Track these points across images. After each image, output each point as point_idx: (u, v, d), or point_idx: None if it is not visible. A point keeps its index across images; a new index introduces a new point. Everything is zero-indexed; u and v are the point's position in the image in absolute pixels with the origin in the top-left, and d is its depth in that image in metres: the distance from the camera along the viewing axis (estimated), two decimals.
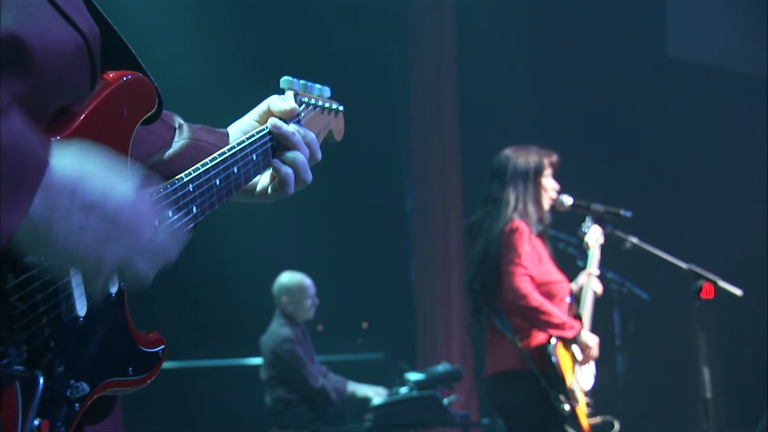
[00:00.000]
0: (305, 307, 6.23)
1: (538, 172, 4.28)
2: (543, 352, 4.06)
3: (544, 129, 7.63)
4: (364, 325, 8.51)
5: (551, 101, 8.50)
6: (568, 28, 8.59)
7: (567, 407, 4.01)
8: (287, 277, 6.33)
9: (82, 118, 1.18)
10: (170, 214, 1.32)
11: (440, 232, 8.95)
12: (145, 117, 1.31)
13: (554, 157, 4.34)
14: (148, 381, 1.31)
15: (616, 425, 4.22)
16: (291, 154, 1.64)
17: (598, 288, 4.50)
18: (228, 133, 1.67)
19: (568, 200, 4.43)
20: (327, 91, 1.86)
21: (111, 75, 1.26)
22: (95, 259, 1.07)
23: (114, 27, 1.32)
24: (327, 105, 1.84)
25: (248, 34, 7.94)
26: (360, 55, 8.39)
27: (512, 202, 4.19)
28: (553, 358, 4.02)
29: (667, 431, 7.82)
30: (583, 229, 4.63)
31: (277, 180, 1.65)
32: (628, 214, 4.57)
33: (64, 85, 1.16)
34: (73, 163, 1.07)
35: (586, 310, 4.37)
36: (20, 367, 1.05)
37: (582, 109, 8.43)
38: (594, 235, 4.60)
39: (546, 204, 4.32)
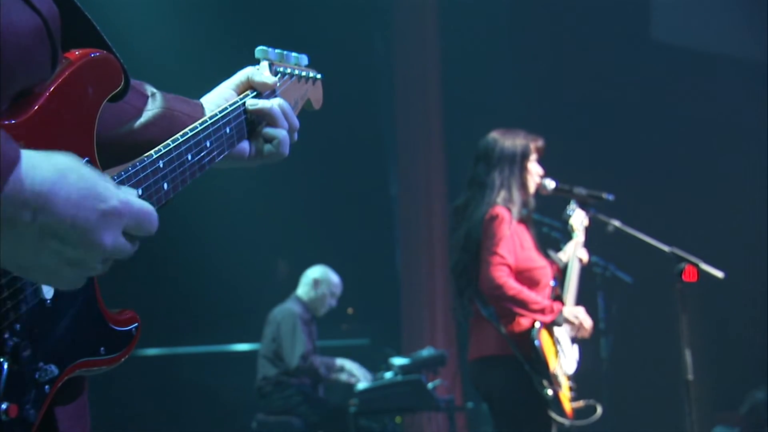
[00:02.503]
0: (325, 304, 6.51)
1: (525, 156, 4.27)
2: (526, 337, 4.07)
3: (527, 112, 7.64)
4: (350, 310, 8.52)
5: (535, 84, 8.50)
6: (551, 11, 8.59)
7: (550, 392, 4.02)
8: (319, 272, 6.58)
9: (43, 99, 1.16)
10: (140, 192, 1.30)
11: (425, 217, 8.96)
12: (111, 95, 1.28)
13: (540, 142, 4.34)
14: (122, 359, 1.28)
15: (599, 409, 4.23)
16: (270, 130, 1.64)
17: (584, 256, 4.53)
18: (202, 105, 1.65)
19: (550, 184, 4.43)
20: (304, 59, 1.84)
21: (75, 53, 1.24)
22: (55, 274, 1.06)
23: (79, 5, 1.29)
24: (304, 74, 1.82)
25: (232, 15, 7.91)
26: (342, 38, 8.37)
27: (497, 185, 4.19)
28: (536, 342, 4.03)
29: (650, 414, 7.88)
30: (567, 212, 4.64)
31: (255, 150, 1.64)
32: (611, 197, 4.58)
33: (22, 67, 1.14)
34: (48, 174, 1.04)
35: (572, 280, 4.39)
36: None
37: (565, 92, 8.44)
38: (578, 219, 4.61)
39: (531, 188, 4.32)
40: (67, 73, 1.20)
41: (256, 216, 8.12)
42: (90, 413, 1.34)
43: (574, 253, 4.50)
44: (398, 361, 6.36)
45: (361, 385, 6.11)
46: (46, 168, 1.03)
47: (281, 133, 1.64)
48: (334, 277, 6.54)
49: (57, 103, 1.18)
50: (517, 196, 4.22)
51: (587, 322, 4.23)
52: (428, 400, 5.97)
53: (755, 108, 7.67)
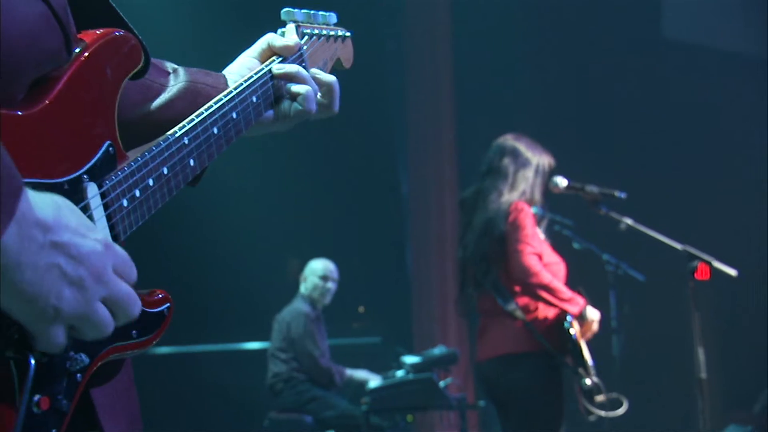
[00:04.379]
0: (328, 291, 6.46)
1: (547, 171, 4.31)
2: (556, 329, 4.07)
3: (539, 111, 7.63)
4: (361, 309, 8.52)
5: (546, 83, 8.48)
6: (563, 8, 8.56)
7: (588, 382, 4.02)
8: (318, 261, 6.54)
9: (60, 85, 1.14)
10: (165, 171, 1.29)
11: (436, 215, 8.95)
12: (131, 74, 1.26)
13: (553, 162, 4.38)
14: (155, 341, 1.26)
15: (625, 403, 4.23)
16: (295, 87, 1.60)
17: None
18: (225, 76, 1.62)
19: (562, 182, 4.43)
20: (333, 18, 1.80)
21: (93, 35, 1.21)
22: (54, 303, 1.02)
23: None
24: (332, 33, 1.78)
25: (241, 21, 7.91)
26: (354, 35, 8.36)
27: (520, 181, 4.20)
28: (572, 331, 4.04)
29: (662, 412, 7.85)
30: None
31: (281, 114, 1.61)
32: (623, 195, 4.56)
33: (31, 54, 1.12)
34: (49, 203, 1.04)
35: None
36: (11, 350, 1.03)
37: (577, 90, 8.42)
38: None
39: (542, 187, 4.35)
40: (83, 56, 1.18)
41: (267, 214, 8.13)
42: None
43: None
44: (410, 359, 6.36)
45: (373, 384, 6.12)
46: (44, 198, 1.04)
47: (306, 88, 1.60)
48: (317, 264, 6.53)
49: (75, 88, 1.16)
50: (536, 195, 4.25)
51: (595, 328, 4.24)
52: (440, 399, 5.96)
53: None
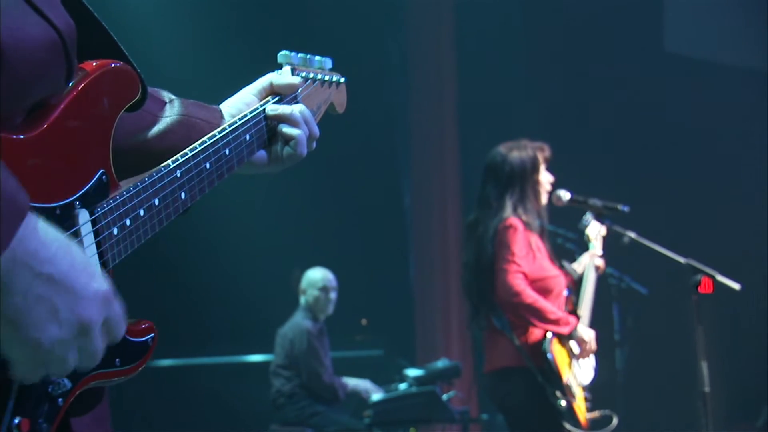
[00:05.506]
0: (330, 302, 6.34)
1: (534, 169, 4.27)
2: (539, 348, 4.07)
3: (542, 123, 7.64)
4: (363, 321, 8.51)
5: (549, 96, 8.49)
6: (565, 22, 8.59)
7: (563, 403, 4.01)
8: (319, 272, 6.45)
9: (58, 111, 1.16)
10: (156, 202, 1.30)
11: (439, 227, 8.95)
12: (128, 105, 1.28)
13: (547, 151, 4.34)
14: (138, 370, 1.27)
15: (615, 420, 4.22)
16: (288, 130, 1.62)
17: (601, 262, 4.52)
18: (220, 110, 1.64)
19: (565, 195, 4.43)
20: (328, 63, 1.83)
21: (91, 65, 1.23)
22: (35, 337, 1.00)
23: (97, 17, 1.29)
24: (327, 78, 1.81)
25: (246, 26, 7.94)
26: (357, 50, 8.38)
27: (507, 206, 4.19)
28: (549, 355, 4.02)
29: (666, 426, 7.82)
30: (583, 223, 4.63)
31: (275, 155, 1.64)
32: (626, 208, 4.57)
33: (37, 80, 1.13)
34: (57, 235, 1.04)
35: (588, 292, 4.38)
36: None
37: (580, 104, 8.43)
38: (595, 229, 4.61)
39: (543, 199, 4.33)
40: (82, 85, 1.20)
41: (270, 227, 8.12)
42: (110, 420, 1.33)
43: (590, 263, 4.49)
44: (413, 372, 6.35)
45: (376, 397, 6.10)
46: (55, 231, 1.04)
47: (298, 132, 1.62)
48: (315, 275, 6.45)
49: (72, 116, 1.17)
50: (529, 207, 4.23)
51: (593, 347, 4.23)
52: (443, 412, 5.95)
53: None
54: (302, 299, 6.45)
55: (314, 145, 1.71)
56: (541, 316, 4.04)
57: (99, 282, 1.07)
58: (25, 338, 1.00)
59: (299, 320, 6.34)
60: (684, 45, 8.64)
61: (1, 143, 1.05)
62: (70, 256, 1.04)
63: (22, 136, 1.10)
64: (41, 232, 1.01)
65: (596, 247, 4.57)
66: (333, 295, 6.42)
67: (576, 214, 4.72)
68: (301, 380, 6.13)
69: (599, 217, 4.61)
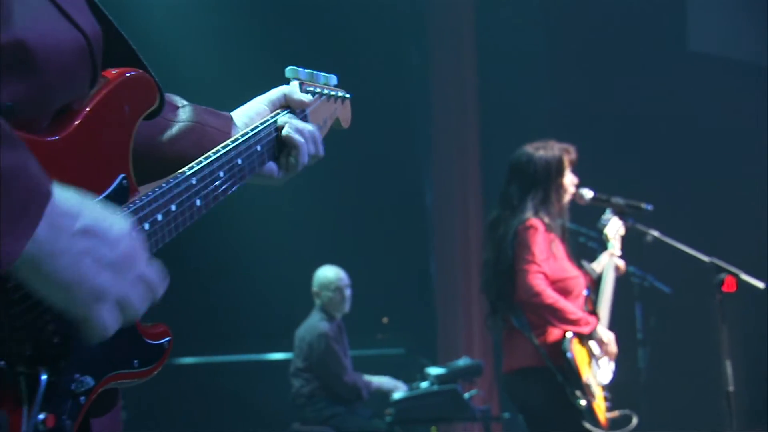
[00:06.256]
0: (345, 299, 6.31)
1: (559, 172, 4.24)
2: (558, 348, 4.05)
3: (564, 122, 7.61)
4: (384, 320, 8.51)
5: (571, 94, 8.46)
6: (588, 21, 8.55)
7: (583, 402, 4.00)
8: (330, 271, 6.36)
9: (82, 116, 1.19)
10: (173, 208, 1.34)
11: (460, 226, 8.93)
12: (146, 113, 1.32)
13: (573, 154, 4.31)
14: (154, 372, 1.31)
15: (634, 419, 4.20)
16: (296, 149, 1.66)
17: (622, 265, 4.49)
18: (232, 118, 1.67)
19: (588, 193, 4.41)
20: (333, 79, 1.87)
21: (112, 72, 1.27)
22: (93, 286, 1.07)
23: (116, 25, 1.32)
24: (333, 93, 1.86)
25: (264, 30, 7.95)
26: (378, 50, 8.39)
27: (530, 208, 4.16)
28: (568, 354, 4.01)
29: (689, 425, 7.78)
30: (602, 222, 4.61)
31: (281, 168, 1.68)
32: (649, 207, 4.54)
33: (65, 84, 1.17)
34: (74, 195, 1.09)
35: (607, 292, 4.36)
36: (23, 365, 1.06)
37: (602, 102, 8.39)
38: (614, 228, 4.58)
39: (565, 200, 4.30)
40: (104, 92, 1.23)
41: (291, 225, 8.14)
42: (122, 424, 1.36)
43: (609, 263, 4.47)
44: (434, 370, 6.34)
45: (397, 395, 6.10)
46: (68, 191, 1.09)
47: (302, 144, 1.66)
48: (325, 275, 6.37)
49: (95, 121, 1.21)
50: (551, 209, 4.21)
51: (614, 348, 4.21)
52: (464, 410, 5.94)
53: None
54: (317, 301, 6.41)
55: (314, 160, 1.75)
56: (561, 317, 4.02)
57: (122, 222, 1.14)
58: (85, 293, 1.06)
59: (316, 322, 6.27)
60: (709, 44, 8.58)
61: (31, 145, 1.08)
62: (90, 207, 1.10)
63: (48, 139, 1.14)
64: (62, 196, 1.06)
65: (615, 246, 4.54)
66: (348, 293, 6.36)
67: (599, 213, 4.70)
68: (321, 382, 6.12)
69: (622, 216, 4.58)
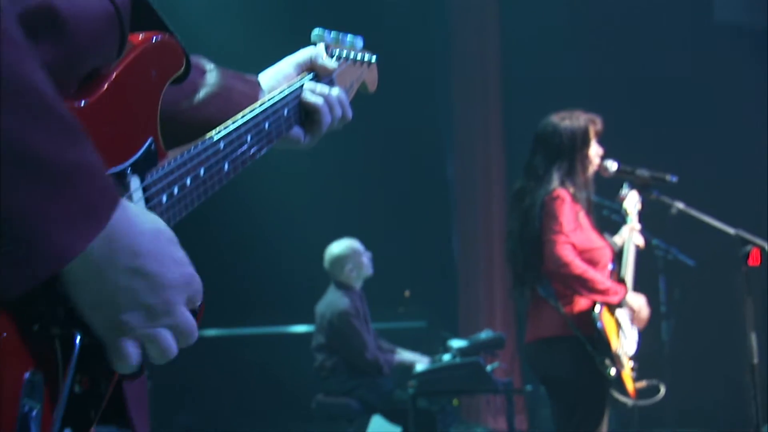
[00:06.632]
0: (364, 267, 6.29)
1: (585, 143, 4.21)
2: (587, 317, 4.04)
3: (588, 93, 7.54)
4: (406, 293, 8.52)
5: (596, 65, 8.39)
6: None
7: (613, 371, 3.99)
8: (340, 247, 6.34)
9: (110, 81, 1.19)
10: (201, 172, 1.34)
11: (482, 198, 8.92)
12: (173, 77, 1.31)
13: (599, 124, 4.28)
14: None
15: (662, 389, 4.19)
16: (319, 113, 1.64)
17: (640, 241, 4.48)
18: (259, 82, 1.67)
19: (612, 165, 4.38)
20: (359, 42, 1.85)
21: (139, 37, 1.26)
22: (121, 320, 1.06)
23: None
24: (359, 57, 1.84)
25: (290, 4, 7.94)
26: (401, 20, 8.34)
27: (555, 178, 4.14)
28: (599, 324, 4.00)
29: (712, 398, 7.76)
30: (620, 195, 4.59)
31: (307, 132, 1.67)
32: (675, 179, 4.50)
33: (93, 50, 1.17)
34: (150, 228, 1.09)
35: (629, 265, 4.35)
36: (57, 327, 1.06)
37: (627, 74, 8.32)
38: (632, 202, 4.56)
39: (590, 172, 4.28)
40: (131, 57, 1.23)
41: (313, 198, 8.15)
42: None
43: (629, 237, 4.45)
44: (456, 343, 6.35)
45: (420, 367, 6.12)
46: (147, 221, 1.09)
47: (327, 118, 1.66)
48: (336, 251, 6.32)
49: (123, 86, 1.20)
50: (577, 180, 4.19)
51: (645, 313, 4.19)
52: (486, 383, 5.95)
53: None
54: (338, 273, 6.35)
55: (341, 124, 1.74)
56: (590, 287, 4.01)
57: (182, 269, 1.12)
58: (110, 320, 1.06)
59: (335, 300, 6.24)
60: (733, 14, 8.48)
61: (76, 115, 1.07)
62: (158, 245, 1.09)
63: (78, 105, 1.13)
64: (134, 220, 1.06)
65: (633, 220, 4.52)
66: (365, 259, 6.33)
67: (619, 186, 4.66)
68: (342, 357, 6.14)
69: (647, 188, 4.55)
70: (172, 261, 1.11)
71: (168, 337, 1.11)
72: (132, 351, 1.08)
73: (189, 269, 1.14)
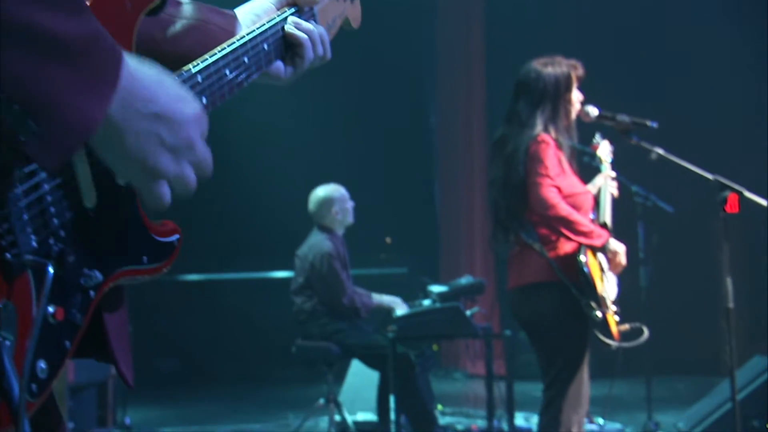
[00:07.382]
0: (348, 213, 6.29)
1: (567, 88, 4.21)
2: (572, 261, 4.06)
3: (570, 39, 7.51)
4: (388, 240, 8.55)
5: (578, 11, 8.35)
6: None
7: (599, 314, 4.02)
8: (327, 189, 6.32)
9: None
10: None
11: (464, 146, 8.92)
12: (148, 9, 1.30)
13: (580, 70, 4.27)
14: (164, 269, 1.31)
15: (646, 332, 4.23)
16: (301, 47, 1.63)
17: (615, 191, 4.51)
18: (236, 16, 1.64)
19: (593, 111, 4.37)
20: None
21: None
22: (153, 166, 1.11)
23: None
24: None
25: None
26: None
27: (538, 124, 4.14)
28: (585, 268, 4.02)
29: (690, 343, 7.86)
30: (593, 143, 4.60)
31: (287, 66, 1.65)
32: (654, 124, 4.49)
33: None
34: (153, 76, 1.12)
35: (606, 212, 4.37)
36: (30, 256, 1.06)
37: (608, 20, 8.29)
38: (605, 150, 4.58)
39: (572, 117, 4.28)
40: None
41: (294, 145, 8.13)
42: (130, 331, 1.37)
43: (605, 185, 4.47)
44: (436, 288, 6.38)
45: (399, 312, 6.15)
46: (148, 71, 1.12)
47: (310, 54, 1.64)
48: (323, 194, 6.29)
49: (96, 16, 1.15)
50: (560, 125, 4.19)
51: (623, 261, 4.22)
52: (466, 328, 5.98)
53: None
54: (322, 216, 6.33)
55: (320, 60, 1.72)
56: (574, 229, 4.02)
57: (191, 105, 1.16)
58: (143, 169, 1.11)
59: (319, 242, 6.25)
60: None
61: None
62: (165, 88, 1.12)
63: None
64: (138, 74, 1.09)
65: (608, 168, 4.54)
66: (349, 205, 6.33)
67: (601, 130, 4.67)
68: (321, 299, 6.16)
69: (627, 133, 4.55)
70: (181, 100, 1.15)
71: (191, 173, 1.17)
72: (165, 191, 1.15)
73: (197, 104, 1.18)
